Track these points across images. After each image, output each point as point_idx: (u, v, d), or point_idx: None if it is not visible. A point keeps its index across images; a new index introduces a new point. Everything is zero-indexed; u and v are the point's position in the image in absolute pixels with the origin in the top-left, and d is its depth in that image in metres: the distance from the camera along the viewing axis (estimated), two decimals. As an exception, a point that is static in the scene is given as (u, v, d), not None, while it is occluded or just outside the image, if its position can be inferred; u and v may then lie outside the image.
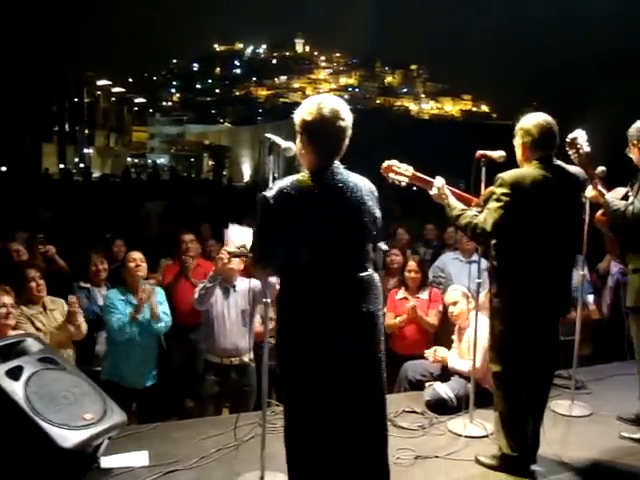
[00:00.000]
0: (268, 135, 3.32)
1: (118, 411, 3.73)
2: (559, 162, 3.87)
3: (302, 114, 3.04)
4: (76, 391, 3.63)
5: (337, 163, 3.07)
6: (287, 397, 3.13)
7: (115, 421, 3.64)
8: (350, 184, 3.03)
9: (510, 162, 4.06)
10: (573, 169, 3.93)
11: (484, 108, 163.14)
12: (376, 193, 3.16)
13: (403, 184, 4.09)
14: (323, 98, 3.04)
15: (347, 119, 3.04)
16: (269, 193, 2.99)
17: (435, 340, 5.74)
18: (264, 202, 2.98)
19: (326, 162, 3.04)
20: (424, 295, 5.95)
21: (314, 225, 2.95)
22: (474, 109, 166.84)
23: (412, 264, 6.03)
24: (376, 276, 3.16)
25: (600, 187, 4.31)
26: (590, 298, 6.48)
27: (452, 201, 4.00)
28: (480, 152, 4.30)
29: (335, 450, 3.03)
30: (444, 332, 5.65)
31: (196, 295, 5.07)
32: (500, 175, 3.76)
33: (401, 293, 6.04)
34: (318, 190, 2.97)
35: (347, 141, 3.07)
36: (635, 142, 4.37)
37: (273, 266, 3.09)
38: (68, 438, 3.34)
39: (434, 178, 4.10)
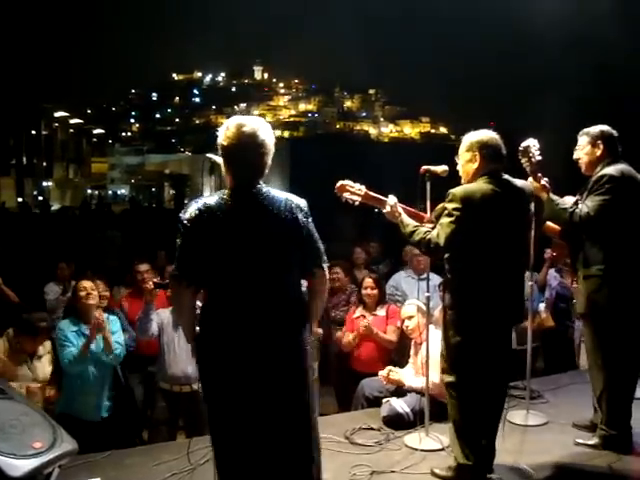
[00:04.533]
0: (209, 155, 3.33)
1: (69, 439, 3.66)
2: (507, 176, 3.92)
3: (219, 137, 3.03)
4: (25, 420, 3.56)
5: (259, 182, 3.03)
6: (209, 415, 3.06)
7: (65, 449, 3.58)
8: (267, 202, 2.99)
9: (452, 177, 4.12)
10: (520, 183, 3.98)
11: (442, 130, 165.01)
12: (305, 208, 3.10)
13: (357, 203, 4.17)
14: (240, 120, 3.03)
15: (266, 139, 3.02)
16: (184, 214, 2.96)
17: (395, 357, 5.74)
18: (179, 223, 2.96)
19: (245, 182, 3.02)
20: (381, 312, 5.96)
21: (228, 245, 2.92)
22: (433, 131, 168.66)
23: (368, 281, 6.05)
24: (302, 297, 3.13)
25: (544, 182, 4.39)
26: (542, 306, 6.62)
27: (405, 218, 4.05)
28: (424, 167, 4.35)
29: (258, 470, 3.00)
30: (405, 349, 5.64)
31: (137, 324, 5.11)
32: (451, 191, 3.80)
33: (358, 311, 6.06)
34: (233, 210, 2.94)
35: (269, 161, 3.06)
36: (597, 142, 4.44)
37: (189, 286, 3.02)
38: (17, 467, 3.26)
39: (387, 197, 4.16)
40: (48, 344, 5.05)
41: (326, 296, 3.32)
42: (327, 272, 3.21)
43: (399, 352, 5.78)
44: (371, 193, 4.19)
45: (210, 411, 3.05)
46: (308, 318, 3.14)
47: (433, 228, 3.86)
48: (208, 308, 3.04)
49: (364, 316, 5.94)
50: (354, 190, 4.15)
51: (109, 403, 5.19)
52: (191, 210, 2.95)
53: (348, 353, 5.97)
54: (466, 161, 3.98)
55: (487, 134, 3.97)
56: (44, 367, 4.88)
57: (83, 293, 5.11)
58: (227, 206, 2.95)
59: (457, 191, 3.78)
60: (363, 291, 6.04)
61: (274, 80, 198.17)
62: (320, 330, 6.02)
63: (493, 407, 3.98)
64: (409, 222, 4.02)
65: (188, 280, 3.02)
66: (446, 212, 3.78)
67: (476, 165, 3.91)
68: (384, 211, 4.13)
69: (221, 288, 2.98)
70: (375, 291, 6.00)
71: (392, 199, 4.14)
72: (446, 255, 3.88)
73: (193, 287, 3.03)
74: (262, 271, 2.96)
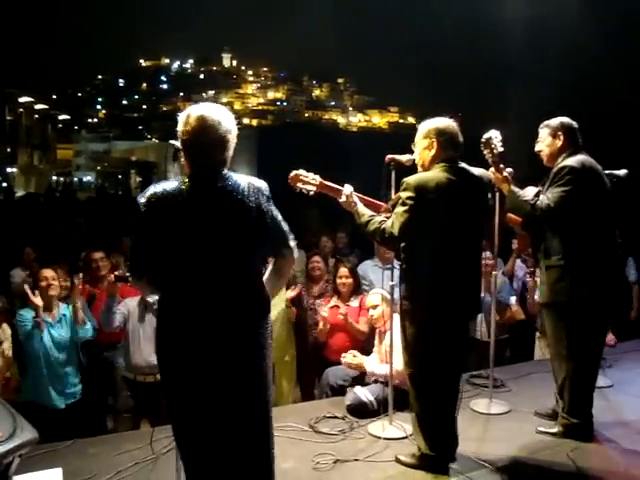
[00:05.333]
0: (172, 141, 3.25)
1: (29, 428, 3.60)
2: (463, 164, 3.92)
3: (179, 126, 2.95)
4: (-17, 410, 3.53)
5: (222, 169, 2.95)
6: (168, 406, 3.00)
7: (26, 438, 3.51)
8: (228, 187, 2.91)
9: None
10: (477, 171, 3.98)
11: (410, 120, 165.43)
12: (266, 191, 3.01)
13: (311, 193, 4.14)
14: (198, 109, 2.94)
15: (227, 127, 2.94)
16: (141, 198, 2.88)
17: (367, 346, 5.72)
18: (136, 208, 2.88)
19: (204, 170, 2.94)
20: (355, 303, 5.95)
21: (187, 232, 2.85)
22: (401, 121, 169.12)
23: (343, 270, 6.02)
24: (260, 288, 3.03)
25: (506, 173, 4.41)
26: (513, 299, 6.61)
27: (360, 208, 4.05)
28: (389, 156, 4.34)
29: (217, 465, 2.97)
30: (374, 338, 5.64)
31: (101, 317, 5.10)
32: (405, 179, 3.81)
33: (333, 301, 6.04)
34: (193, 194, 2.86)
35: (231, 152, 2.99)
36: (557, 133, 4.47)
37: (148, 275, 2.96)
38: (-25, 457, 3.23)
39: (342, 186, 4.16)
40: (8, 331, 4.98)
41: (287, 277, 3.30)
42: (295, 253, 3.16)
43: (370, 341, 5.77)
44: (326, 182, 4.17)
45: (169, 402, 2.99)
46: (267, 308, 3.06)
47: (389, 217, 3.87)
48: (166, 298, 2.96)
49: (338, 307, 5.93)
50: (308, 180, 4.13)
51: (75, 390, 5.19)
52: (148, 194, 2.87)
53: (320, 342, 5.99)
54: (423, 148, 3.98)
55: (444, 121, 3.97)
56: (2, 354, 4.83)
57: (44, 283, 5.07)
58: (186, 191, 2.87)
59: (411, 180, 3.78)
60: (338, 280, 6.01)
61: (242, 67, 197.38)
62: (294, 309, 6.05)
63: (452, 397, 3.98)
64: (364, 212, 4.01)
65: (142, 272, 2.98)
66: (400, 201, 3.78)
67: (433, 152, 3.92)
68: (340, 200, 4.12)
69: (179, 277, 2.90)
70: (350, 280, 5.98)
71: (348, 188, 4.14)
72: (401, 245, 3.89)
73: (148, 278, 2.99)
74: (222, 259, 2.88)
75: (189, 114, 2.94)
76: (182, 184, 2.90)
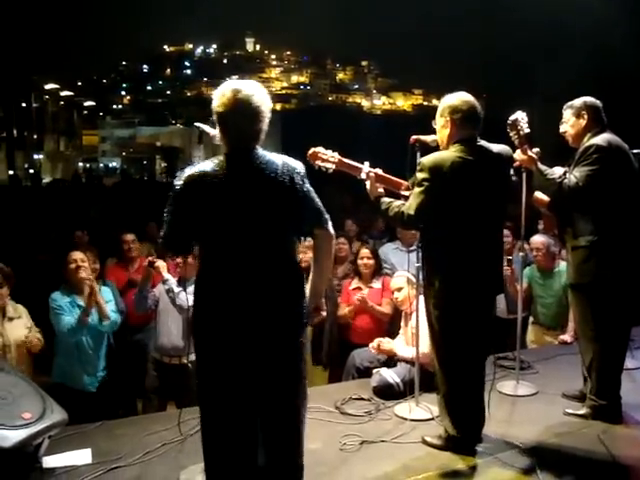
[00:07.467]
0: (197, 124, 3.28)
1: (58, 410, 3.67)
2: (482, 142, 3.88)
3: (214, 102, 2.98)
4: (14, 391, 3.58)
5: (255, 146, 2.99)
6: (199, 386, 3.05)
7: (55, 420, 3.59)
8: (262, 166, 2.94)
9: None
10: (497, 148, 3.92)
11: (435, 102, 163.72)
12: (301, 171, 3.06)
13: (330, 171, 4.11)
14: (236, 85, 2.96)
15: (262, 105, 2.97)
16: (177, 180, 2.94)
17: (390, 328, 5.73)
18: (172, 188, 2.95)
19: (240, 147, 2.97)
20: (377, 284, 5.96)
21: (221, 210, 2.88)
22: (425, 103, 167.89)
23: (365, 251, 6.05)
24: (296, 266, 3.07)
25: (531, 153, 4.38)
26: None
27: (383, 198, 4.04)
28: (414, 137, 4.30)
29: (245, 439, 3.01)
30: (398, 320, 5.64)
31: (134, 300, 5.20)
32: (421, 160, 3.81)
33: (354, 283, 6.06)
34: (227, 174, 2.90)
35: (265, 126, 3.01)
36: (581, 112, 4.41)
37: (180, 253, 3.02)
38: (7, 438, 3.28)
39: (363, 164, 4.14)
40: (21, 308, 5.02)
41: (332, 258, 3.26)
42: (331, 232, 3.15)
43: (393, 323, 5.77)
44: (345, 160, 4.14)
45: (201, 382, 3.03)
46: (304, 285, 3.09)
47: (409, 196, 3.86)
48: (202, 276, 3.00)
49: (360, 288, 5.95)
50: (327, 157, 4.10)
51: (103, 373, 5.22)
52: (184, 175, 2.93)
53: (344, 325, 5.99)
54: (440, 127, 3.97)
55: (459, 97, 3.92)
56: (16, 330, 4.87)
57: (73, 265, 5.07)
58: (221, 170, 2.91)
59: (426, 161, 3.77)
60: (359, 261, 6.03)
61: (266, 52, 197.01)
62: (324, 313, 5.94)
63: (478, 378, 3.98)
64: (384, 199, 4.01)
65: (173, 250, 3.02)
66: (417, 182, 3.77)
67: (448, 131, 3.90)
68: (367, 188, 4.11)
69: (215, 255, 2.95)
70: (372, 261, 5.99)
71: (366, 166, 4.13)
72: (421, 227, 3.90)
73: (183, 257, 3.04)
74: (256, 236, 2.92)
75: (224, 88, 2.97)
76: (217, 164, 2.94)
